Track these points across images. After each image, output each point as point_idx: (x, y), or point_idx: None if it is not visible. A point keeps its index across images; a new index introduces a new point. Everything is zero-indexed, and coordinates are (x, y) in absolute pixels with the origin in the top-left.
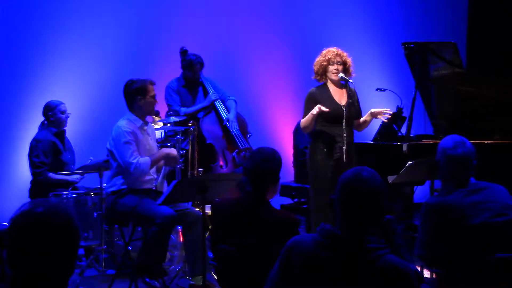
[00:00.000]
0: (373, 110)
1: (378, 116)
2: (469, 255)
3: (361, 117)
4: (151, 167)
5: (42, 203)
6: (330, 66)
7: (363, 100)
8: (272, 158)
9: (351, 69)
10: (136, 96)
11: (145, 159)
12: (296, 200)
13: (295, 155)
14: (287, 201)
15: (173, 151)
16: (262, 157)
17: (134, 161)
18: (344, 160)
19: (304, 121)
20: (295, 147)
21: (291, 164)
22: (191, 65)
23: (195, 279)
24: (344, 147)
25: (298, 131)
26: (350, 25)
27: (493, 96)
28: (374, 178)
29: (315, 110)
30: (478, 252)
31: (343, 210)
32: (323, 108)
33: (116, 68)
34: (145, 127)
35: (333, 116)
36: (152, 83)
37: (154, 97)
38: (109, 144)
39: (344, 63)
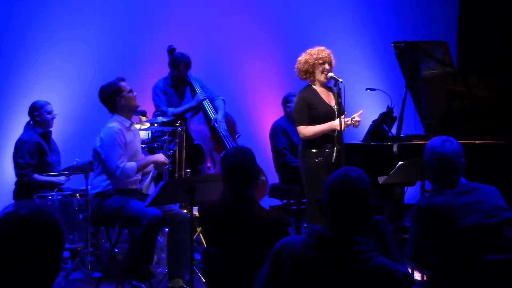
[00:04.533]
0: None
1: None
2: (459, 257)
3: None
4: (137, 172)
5: (26, 204)
6: (321, 65)
7: (352, 100)
8: (243, 152)
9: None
10: (114, 98)
11: (131, 165)
12: (285, 201)
13: (275, 157)
14: (276, 202)
15: (161, 158)
16: (233, 153)
17: (121, 165)
18: (336, 160)
19: (318, 130)
20: (274, 149)
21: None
22: (175, 63)
23: (172, 282)
24: (336, 147)
25: (274, 133)
26: (340, 23)
27: (484, 96)
28: (362, 178)
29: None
30: (469, 254)
31: (331, 211)
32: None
33: (103, 67)
34: (132, 128)
35: (326, 117)
36: (123, 80)
37: (131, 91)
38: (97, 144)
39: (330, 63)
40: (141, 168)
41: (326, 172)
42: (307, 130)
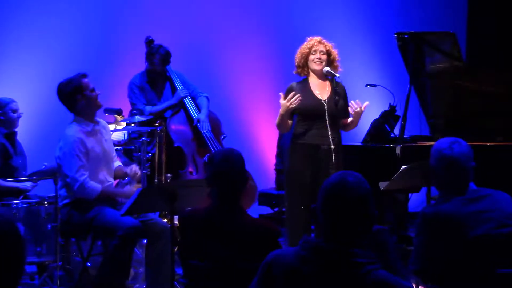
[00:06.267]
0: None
1: (357, 109)
2: (468, 270)
3: (349, 117)
4: (99, 196)
5: None
6: (311, 55)
7: (350, 98)
8: (231, 156)
9: (337, 63)
10: (74, 97)
11: (95, 185)
12: (276, 209)
13: (280, 155)
14: (266, 210)
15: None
16: (220, 158)
17: (81, 178)
18: (334, 164)
19: (277, 119)
20: (280, 146)
21: (272, 170)
22: (150, 55)
23: None
24: (332, 147)
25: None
26: (337, 12)
27: (496, 93)
28: (361, 184)
29: (282, 100)
30: (479, 267)
31: (327, 220)
32: (292, 103)
33: (74, 63)
34: (97, 128)
35: (313, 113)
36: (85, 76)
37: (94, 90)
38: (56, 154)
39: (328, 54)
40: (106, 194)
41: (311, 176)
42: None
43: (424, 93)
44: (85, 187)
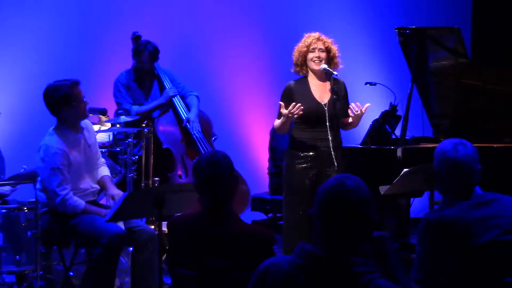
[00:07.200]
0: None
1: (357, 112)
2: (474, 279)
3: (349, 116)
4: (81, 213)
5: None
6: (310, 53)
7: (349, 97)
8: (217, 160)
9: (338, 59)
10: (61, 106)
11: (79, 202)
12: (270, 215)
13: (272, 159)
14: (260, 216)
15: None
16: (206, 163)
17: (63, 192)
18: (336, 168)
19: (276, 122)
20: (273, 149)
21: (266, 173)
22: (138, 52)
23: None
24: (332, 150)
25: (276, 132)
26: (335, 7)
27: (503, 91)
28: (360, 188)
29: (284, 111)
30: (486, 275)
31: (324, 227)
32: (296, 109)
33: (56, 60)
34: (80, 136)
35: (313, 116)
36: (77, 84)
37: (82, 99)
38: (37, 163)
39: (328, 51)
40: (88, 212)
41: (311, 181)
42: (274, 122)
43: (427, 91)
44: (66, 203)
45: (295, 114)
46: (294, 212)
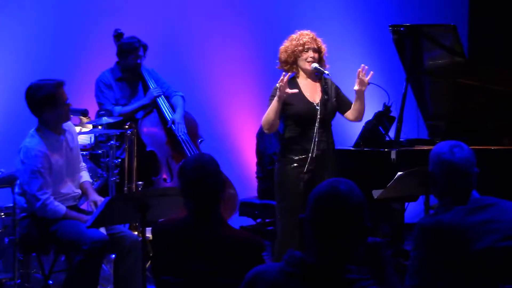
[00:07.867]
0: (356, 87)
1: (361, 83)
2: (470, 286)
3: (349, 108)
4: (61, 218)
5: None
6: (304, 53)
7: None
8: (204, 163)
9: (324, 58)
10: (43, 106)
11: (60, 207)
12: (259, 220)
13: (260, 163)
14: (248, 221)
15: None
16: (192, 166)
17: (43, 197)
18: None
19: (267, 112)
20: (260, 152)
21: (254, 177)
22: (123, 51)
23: None
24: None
25: (264, 134)
26: (326, 4)
27: (502, 91)
28: (353, 192)
29: (278, 92)
30: (483, 282)
31: (316, 233)
32: (289, 91)
33: (37, 59)
34: (62, 138)
35: (306, 117)
36: (62, 84)
37: (66, 101)
38: (17, 166)
39: (319, 51)
40: (69, 218)
41: (304, 185)
42: (263, 118)
43: (422, 91)
44: (46, 208)
45: (286, 89)
46: (291, 217)
